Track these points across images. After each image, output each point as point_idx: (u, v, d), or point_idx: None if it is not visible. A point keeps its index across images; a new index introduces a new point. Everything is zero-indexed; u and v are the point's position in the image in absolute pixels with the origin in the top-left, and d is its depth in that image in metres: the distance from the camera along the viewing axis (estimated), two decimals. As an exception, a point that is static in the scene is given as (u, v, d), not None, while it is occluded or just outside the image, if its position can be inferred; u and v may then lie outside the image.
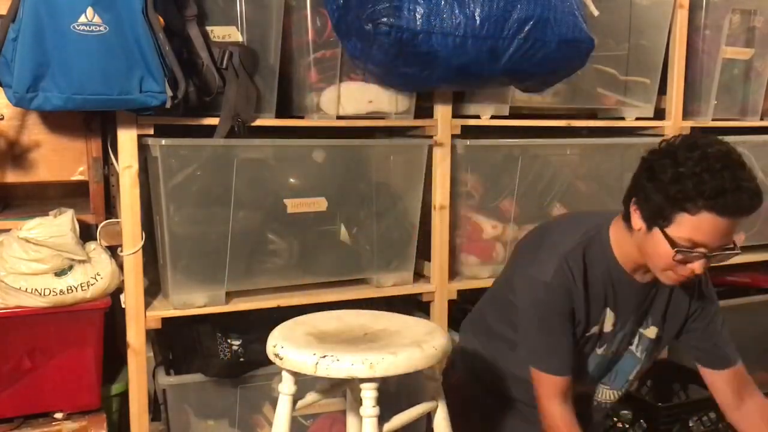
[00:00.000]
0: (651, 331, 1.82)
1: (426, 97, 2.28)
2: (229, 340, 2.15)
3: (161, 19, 1.82)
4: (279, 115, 2.13)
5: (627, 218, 1.64)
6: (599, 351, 1.80)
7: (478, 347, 1.94)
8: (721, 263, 1.62)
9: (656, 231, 1.55)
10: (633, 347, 1.84)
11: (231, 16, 2.04)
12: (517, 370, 1.80)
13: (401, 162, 2.31)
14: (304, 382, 1.51)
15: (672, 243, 1.52)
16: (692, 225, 1.49)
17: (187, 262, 2.05)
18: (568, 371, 1.69)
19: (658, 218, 1.54)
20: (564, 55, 1.96)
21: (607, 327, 1.77)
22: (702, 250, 1.52)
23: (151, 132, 1.98)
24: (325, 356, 1.39)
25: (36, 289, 1.89)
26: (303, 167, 2.15)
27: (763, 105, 2.84)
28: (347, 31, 2.00)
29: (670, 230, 1.52)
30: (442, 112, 2.27)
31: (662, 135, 2.63)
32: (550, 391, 1.68)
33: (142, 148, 2.02)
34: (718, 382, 1.80)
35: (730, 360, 1.80)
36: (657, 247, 1.56)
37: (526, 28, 1.88)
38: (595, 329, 1.75)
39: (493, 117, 2.33)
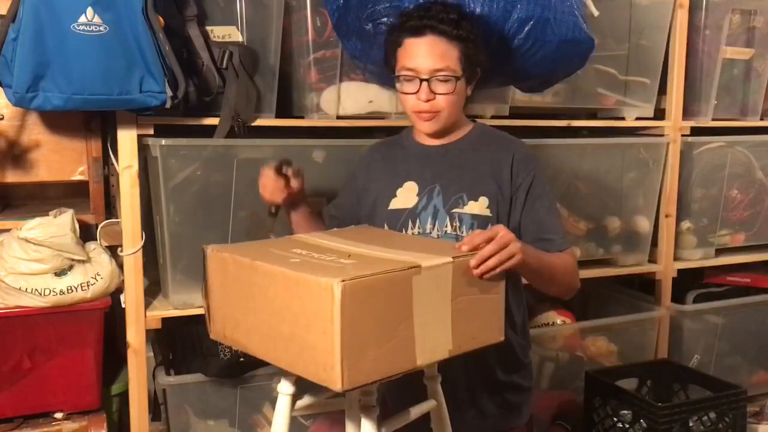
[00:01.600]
0: (478, 206, 1.68)
1: (426, 97, 2.28)
2: (229, 340, 2.15)
3: (161, 19, 1.82)
4: (279, 115, 2.13)
5: None
6: (411, 231, 1.70)
7: None
8: (447, 92, 1.63)
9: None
10: (449, 229, 1.68)
11: (231, 16, 2.04)
12: None
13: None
14: (303, 382, 1.51)
15: (397, 78, 1.66)
16: (401, 55, 1.66)
17: (187, 262, 2.04)
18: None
19: (391, 69, 1.69)
20: (564, 55, 1.96)
21: (410, 201, 1.71)
22: (411, 73, 1.63)
23: (151, 132, 1.98)
24: (324, 356, 1.38)
25: (36, 289, 1.89)
26: (303, 167, 2.15)
27: (763, 105, 2.84)
28: (347, 31, 2.00)
29: (396, 71, 1.67)
30: (442, 112, 2.27)
31: (662, 135, 2.64)
32: None
33: (142, 148, 2.02)
34: None
35: (555, 245, 1.66)
36: (399, 95, 1.69)
37: (526, 28, 1.88)
38: (395, 202, 1.72)
39: (493, 117, 2.33)
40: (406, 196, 1.73)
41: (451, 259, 1.33)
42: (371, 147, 1.90)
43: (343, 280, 1.17)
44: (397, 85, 1.68)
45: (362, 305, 1.20)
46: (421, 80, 1.62)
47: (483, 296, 1.40)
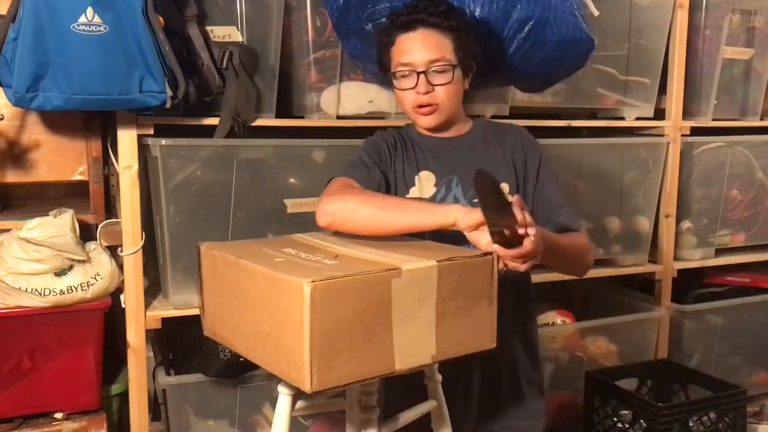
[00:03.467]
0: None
1: (426, 97, 2.28)
2: (229, 340, 2.15)
3: (161, 19, 1.82)
4: (279, 115, 2.13)
5: None
6: None
7: None
8: (445, 83, 1.63)
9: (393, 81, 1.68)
10: None
11: (231, 16, 2.04)
12: None
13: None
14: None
15: (393, 75, 1.67)
16: (395, 53, 1.66)
17: (187, 262, 2.04)
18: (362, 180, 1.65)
19: (386, 70, 1.70)
20: (564, 55, 1.96)
21: (428, 190, 1.70)
22: (407, 68, 1.63)
23: (151, 132, 1.98)
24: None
25: (36, 290, 1.89)
26: (303, 167, 2.15)
27: (763, 105, 2.84)
28: (347, 31, 2.00)
29: (392, 69, 1.67)
30: (442, 112, 2.27)
31: (662, 135, 2.64)
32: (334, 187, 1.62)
33: (142, 148, 2.02)
34: None
35: (566, 225, 1.68)
36: (397, 93, 1.69)
37: (526, 28, 1.88)
38: (414, 191, 1.70)
39: (493, 117, 2.33)
40: (424, 185, 1.71)
41: (435, 263, 1.30)
42: (385, 131, 1.81)
43: (313, 281, 1.15)
44: (394, 83, 1.68)
45: (334, 306, 1.18)
46: (418, 73, 1.62)
47: (473, 301, 1.36)
